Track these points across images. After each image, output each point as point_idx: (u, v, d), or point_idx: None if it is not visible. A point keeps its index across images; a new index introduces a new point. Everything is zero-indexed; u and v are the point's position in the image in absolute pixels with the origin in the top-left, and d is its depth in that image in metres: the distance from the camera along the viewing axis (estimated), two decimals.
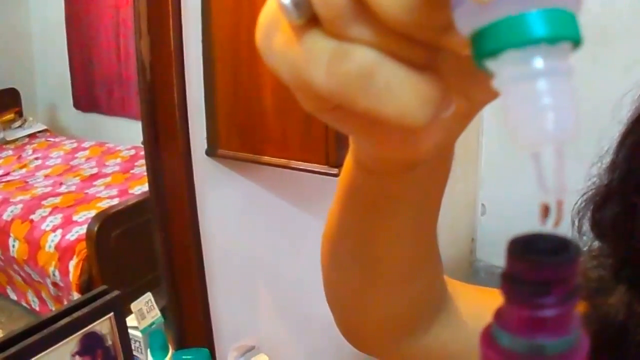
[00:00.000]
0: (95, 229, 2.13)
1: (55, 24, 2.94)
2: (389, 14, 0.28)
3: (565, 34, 0.27)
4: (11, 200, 2.41)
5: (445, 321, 0.69)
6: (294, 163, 1.63)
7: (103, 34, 2.87)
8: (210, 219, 1.82)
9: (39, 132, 3.00)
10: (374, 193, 0.51)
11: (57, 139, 2.97)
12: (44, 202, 2.37)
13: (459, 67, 0.33)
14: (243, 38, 1.58)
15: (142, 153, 1.78)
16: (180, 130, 1.65)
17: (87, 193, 2.46)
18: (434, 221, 0.58)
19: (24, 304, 2.32)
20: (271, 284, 2.06)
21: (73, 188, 2.50)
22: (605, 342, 0.68)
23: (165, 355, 1.73)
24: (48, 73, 3.10)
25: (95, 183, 2.54)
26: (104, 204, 2.33)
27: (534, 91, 0.27)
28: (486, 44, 0.27)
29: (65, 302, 2.12)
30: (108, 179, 2.56)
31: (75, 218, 2.26)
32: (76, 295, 2.09)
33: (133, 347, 1.67)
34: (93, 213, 2.23)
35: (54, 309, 2.19)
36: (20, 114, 3.01)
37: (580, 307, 0.73)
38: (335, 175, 1.51)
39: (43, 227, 2.25)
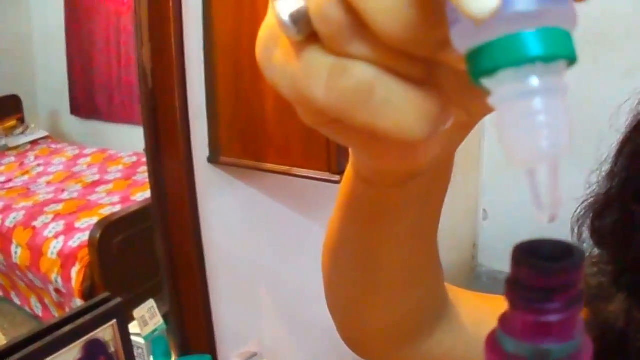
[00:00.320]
0: (98, 235, 2.13)
1: (56, 31, 2.95)
2: (387, 31, 0.29)
3: (561, 52, 0.27)
4: (14, 207, 2.42)
5: (446, 327, 0.69)
6: (296, 170, 1.63)
7: (103, 40, 2.88)
8: (212, 225, 1.83)
9: (41, 138, 3.01)
10: (374, 203, 0.51)
11: (59, 146, 2.98)
12: (46, 209, 2.38)
13: (457, 81, 0.33)
14: (244, 45, 1.58)
15: (144, 160, 1.79)
16: (182, 137, 1.65)
17: (89, 200, 2.46)
18: (434, 229, 0.58)
19: (27, 309, 2.33)
20: (273, 290, 2.06)
21: (75, 195, 2.51)
22: (605, 348, 0.68)
23: None
24: (49, 80, 3.11)
25: (97, 190, 2.55)
26: (106, 211, 2.33)
27: (529, 109, 0.27)
28: (482, 62, 0.28)
29: (68, 309, 2.12)
30: (110, 186, 2.57)
31: (77, 225, 2.27)
32: (78, 302, 2.09)
33: (136, 354, 1.67)
34: (95, 220, 2.23)
35: (56, 315, 2.20)
36: (22, 120, 3.02)
37: (582, 314, 0.73)
38: (337, 182, 1.51)
39: (45, 233, 2.26)
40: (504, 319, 0.27)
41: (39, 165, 2.81)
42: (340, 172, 1.52)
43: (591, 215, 0.71)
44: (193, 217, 1.75)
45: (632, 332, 0.66)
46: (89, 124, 3.07)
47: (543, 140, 0.27)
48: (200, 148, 1.73)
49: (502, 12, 0.26)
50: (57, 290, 2.18)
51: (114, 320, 1.53)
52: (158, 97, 1.62)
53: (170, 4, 1.57)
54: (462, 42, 0.28)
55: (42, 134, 3.05)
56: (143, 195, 2.35)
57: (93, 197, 2.49)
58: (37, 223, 2.31)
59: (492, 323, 0.28)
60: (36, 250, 2.23)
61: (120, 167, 2.71)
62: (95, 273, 2.13)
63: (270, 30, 0.33)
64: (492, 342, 0.27)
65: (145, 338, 1.71)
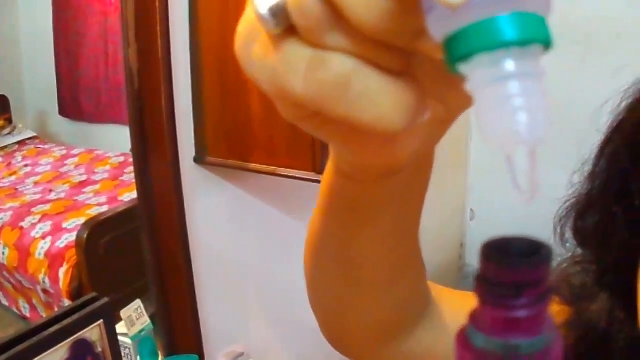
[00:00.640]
0: (85, 236, 2.13)
1: (43, 31, 2.94)
2: (363, 22, 0.29)
3: (536, 36, 0.27)
4: (1, 207, 2.41)
5: (429, 325, 0.69)
6: (281, 170, 1.63)
7: (91, 41, 2.87)
8: (199, 225, 1.83)
9: (29, 139, 3.00)
10: (354, 199, 0.51)
11: (46, 146, 2.97)
12: (33, 210, 2.37)
13: (435, 72, 0.34)
14: (230, 45, 1.56)
15: (132, 160, 1.79)
16: (168, 138, 1.65)
17: (76, 200, 2.45)
18: (415, 226, 0.58)
19: (15, 310, 2.32)
20: (260, 291, 2.06)
21: (62, 195, 2.50)
22: (588, 348, 0.69)
23: None
24: (37, 80, 3.10)
25: (84, 190, 2.54)
26: (94, 211, 2.33)
27: (506, 93, 0.27)
28: (458, 48, 0.28)
29: (56, 309, 2.12)
30: (97, 186, 2.56)
31: (64, 225, 2.26)
32: (67, 302, 2.08)
33: (123, 354, 1.67)
34: (82, 220, 2.23)
35: (44, 315, 2.19)
36: (9, 120, 3.01)
37: (564, 313, 0.74)
38: None
39: (33, 234, 2.25)
40: (473, 315, 0.28)
41: (26, 165, 2.80)
42: None
43: (574, 215, 0.71)
44: (179, 217, 1.75)
45: (615, 332, 0.66)
46: (77, 124, 3.06)
47: (520, 123, 0.27)
48: (186, 148, 1.73)
49: None
50: (45, 291, 2.18)
51: (101, 321, 1.52)
52: (144, 98, 1.62)
53: (157, 4, 1.57)
54: (438, 29, 0.28)
55: (30, 134, 3.04)
56: (130, 195, 2.34)
57: (80, 198, 2.48)
58: (24, 223, 2.30)
59: None
60: (24, 251, 2.22)
61: (108, 167, 2.70)
62: (82, 273, 2.12)
63: (249, 25, 0.34)
64: (463, 337, 0.28)
65: (132, 338, 1.71)
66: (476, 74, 0.28)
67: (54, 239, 2.21)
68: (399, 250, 0.58)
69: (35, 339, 1.38)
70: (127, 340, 1.71)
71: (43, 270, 2.16)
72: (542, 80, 0.28)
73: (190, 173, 1.76)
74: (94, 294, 1.58)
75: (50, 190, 2.55)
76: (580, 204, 0.71)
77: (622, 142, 0.65)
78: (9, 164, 2.82)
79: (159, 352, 1.76)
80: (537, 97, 0.27)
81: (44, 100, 3.11)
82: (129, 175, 2.47)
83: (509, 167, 0.28)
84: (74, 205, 2.40)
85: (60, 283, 2.12)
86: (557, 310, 0.74)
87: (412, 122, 0.32)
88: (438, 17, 0.28)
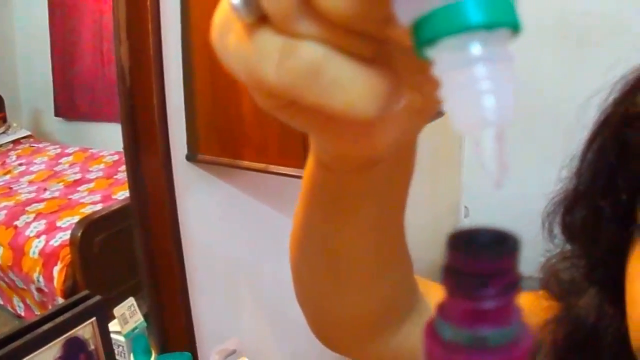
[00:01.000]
0: (79, 234, 2.12)
1: (38, 29, 2.93)
2: (331, 9, 0.29)
3: (503, 20, 0.27)
4: None
5: (417, 320, 0.69)
6: (273, 167, 1.63)
7: (86, 39, 2.86)
8: (191, 223, 1.83)
9: (23, 137, 2.99)
10: (335, 191, 0.51)
11: (41, 145, 2.96)
12: (27, 208, 2.36)
13: (408, 60, 0.33)
14: None
15: None
16: (160, 136, 1.65)
17: (70, 199, 2.45)
18: (399, 219, 0.58)
19: (9, 308, 2.31)
20: (252, 288, 2.06)
21: (57, 194, 2.50)
22: (577, 342, 0.69)
23: None
24: (32, 79, 3.09)
25: (79, 189, 2.53)
26: (88, 210, 2.32)
27: (472, 77, 0.27)
28: (424, 32, 0.28)
29: (50, 308, 2.12)
30: (92, 185, 2.56)
31: (59, 224, 2.26)
32: (61, 301, 2.08)
33: (116, 352, 1.67)
34: (77, 219, 2.22)
35: (39, 314, 2.19)
36: (4, 119, 3.00)
37: (553, 309, 0.74)
38: None
39: (27, 233, 2.24)
40: (441, 306, 0.27)
41: (20, 164, 2.79)
42: None
43: (561, 210, 0.72)
44: (172, 215, 1.75)
45: (603, 327, 0.67)
46: (72, 122, 3.05)
47: (487, 106, 0.27)
48: (178, 146, 1.73)
49: None
50: (40, 290, 2.17)
51: (94, 318, 1.52)
52: (136, 96, 1.62)
53: (148, 2, 1.57)
54: (405, 14, 0.28)
55: (24, 133, 3.02)
56: (124, 194, 2.33)
57: (75, 196, 2.47)
58: (18, 222, 2.29)
59: None
60: (18, 250, 2.21)
61: (102, 165, 2.69)
62: (76, 272, 2.12)
63: (224, 15, 0.34)
64: (430, 329, 0.28)
65: (125, 336, 1.71)
66: (442, 58, 0.28)
67: (48, 238, 2.20)
68: (383, 243, 0.58)
69: (27, 337, 1.39)
70: (121, 338, 1.71)
71: (37, 269, 2.16)
72: (510, 64, 0.27)
73: (182, 171, 1.76)
74: (86, 292, 1.58)
75: (45, 189, 2.54)
76: (568, 199, 0.71)
77: (608, 137, 0.66)
78: (4, 162, 2.81)
79: (152, 350, 1.76)
80: (504, 81, 0.27)
81: (38, 99, 3.10)
82: (123, 173, 2.46)
83: (477, 151, 0.28)
84: (68, 204, 2.39)
85: (55, 282, 2.12)
86: (546, 306, 0.75)
87: (385, 109, 0.32)
88: (405, 2, 0.28)
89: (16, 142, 2.95)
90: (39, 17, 2.93)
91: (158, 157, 1.68)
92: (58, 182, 2.60)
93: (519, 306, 0.27)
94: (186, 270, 1.84)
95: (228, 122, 1.66)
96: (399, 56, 0.34)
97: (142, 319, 1.74)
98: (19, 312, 2.28)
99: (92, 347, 1.53)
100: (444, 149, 2.84)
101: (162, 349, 1.85)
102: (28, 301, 2.25)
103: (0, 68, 3.05)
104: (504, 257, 0.26)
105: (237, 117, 1.64)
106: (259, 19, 0.31)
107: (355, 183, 0.49)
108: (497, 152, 0.28)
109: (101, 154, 2.76)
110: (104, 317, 1.56)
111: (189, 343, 1.89)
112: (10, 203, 2.42)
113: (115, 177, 2.57)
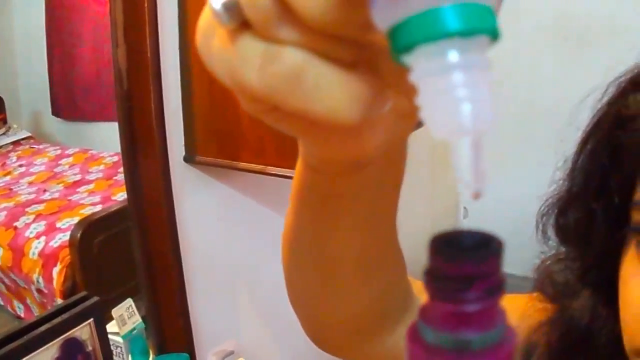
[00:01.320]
0: (78, 235, 2.12)
1: (38, 31, 2.93)
2: (309, 14, 0.29)
3: (480, 27, 0.27)
4: None
5: (409, 321, 0.69)
6: (270, 169, 1.63)
7: (85, 40, 2.86)
8: (189, 224, 1.83)
9: (23, 139, 2.99)
10: (324, 193, 0.51)
11: (41, 146, 2.97)
12: (27, 209, 2.37)
13: (392, 63, 0.32)
14: None
15: None
16: (157, 137, 1.65)
17: (70, 200, 2.45)
18: (390, 221, 0.57)
19: (9, 309, 2.31)
20: (250, 289, 2.06)
21: (57, 195, 2.50)
22: (571, 344, 0.69)
23: None
24: (31, 80, 3.09)
25: (78, 190, 2.54)
26: (87, 211, 2.32)
27: (449, 84, 0.26)
28: (401, 39, 0.27)
29: (49, 309, 2.12)
30: (91, 186, 2.56)
31: (58, 225, 2.26)
32: (60, 302, 2.08)
33: (114, 353, 1.67)
34: (76, 220, 2.22)
35: (37, 315, 2.19)
36: (4, 121, 3.00)
37: (547, 311, 0.74)
38: None
39: (27, 234, 2.24)
40: (423, 310, 0.27)
41: (20, 165, 2.79)
42: None
43: (555, 212, 0.72)
44: (169, 216, 1.75)
45: (597, 328, 0.67)
46: (71, 123, 3.05)
47: (464, 114, 0.26)
48: (176, 148, 1.73)
49: None
50: (39, 291, 2.18)
51: (91, 319, 1.53)
52: (133, 98, 1.62)
53: (146, 4, 1.57)
54: (383, 20, 0.28)
55: (25, 134, 3.03)
56: (124, 195, 2.32)
57: (74, 197, 2.47)
58: (18, 223, 2.29)
59: None
60: (18, 251, 2.22)
61: (102, 167, 2.69)
62: (76, 273, 2.12)
63: (207, 20, 0.34)
64: (413, 332, 0.27)
65: (123, 337, 1.71)
66: (419, 65, 0.27)
67: (47, 239, 2.21)
68: (373, 245, 0.57)
69: (25, 338, 1.39)
70: (119, 339, 1.71)
71: (37, 270, 2.16)
72: (488, 71, 0.27)
73: (180, 172, 1.76)
74: (84, 293, 1.58)
75: (45, 190, 2.54)
76: (561, 201, 0.71)
77: (601, 139, 0.66)
78: (4, 164, 2.82)
79: (150, 351, 1.77)
80: (482, 88, 0.27)
81: (38, 100, 3.10)
82: (123, 174, 2.47)
83: (454, 160, 0.28)
84: (68, 205, 2.40)
85: (54, 283, 2.12)
86: (540, 307, 0.75)
87: (367, 113, 0.32)
88: (382, 8, 0.28)
89: (16, 143, 2.96)
90: (38, 19, 2.93)
91: (156, 159, 1.68)
92: (58, 183, 2.60)
93: (502, 309, 0.27)
94: (184, 271, 1.84)
95: (226, 123, 1.66)
96: (384, 60, 0.34)
97: (140, 320, 1.74)
98: (18, 313, 2.29)
99: (90, 348, 1.53)
100: (443, 149, 2.83)
101: (160, 350, 1.85)
102: (28, 302, 2.25)
103: (0, 70, 3.06)
104: (486, 260, 0.26)
105: (235, 119, 1.64)
106: (241, 24, 0.31)
107: (343, 185, 0.49)
108: (474, 161, 0.27)
109: (101, 155, 2.76)
110: (102, 318, 1.56)
111: (186, 344, 1.89)
112: (10, 204, 2.43)
113: (115, 178, 2.57)
